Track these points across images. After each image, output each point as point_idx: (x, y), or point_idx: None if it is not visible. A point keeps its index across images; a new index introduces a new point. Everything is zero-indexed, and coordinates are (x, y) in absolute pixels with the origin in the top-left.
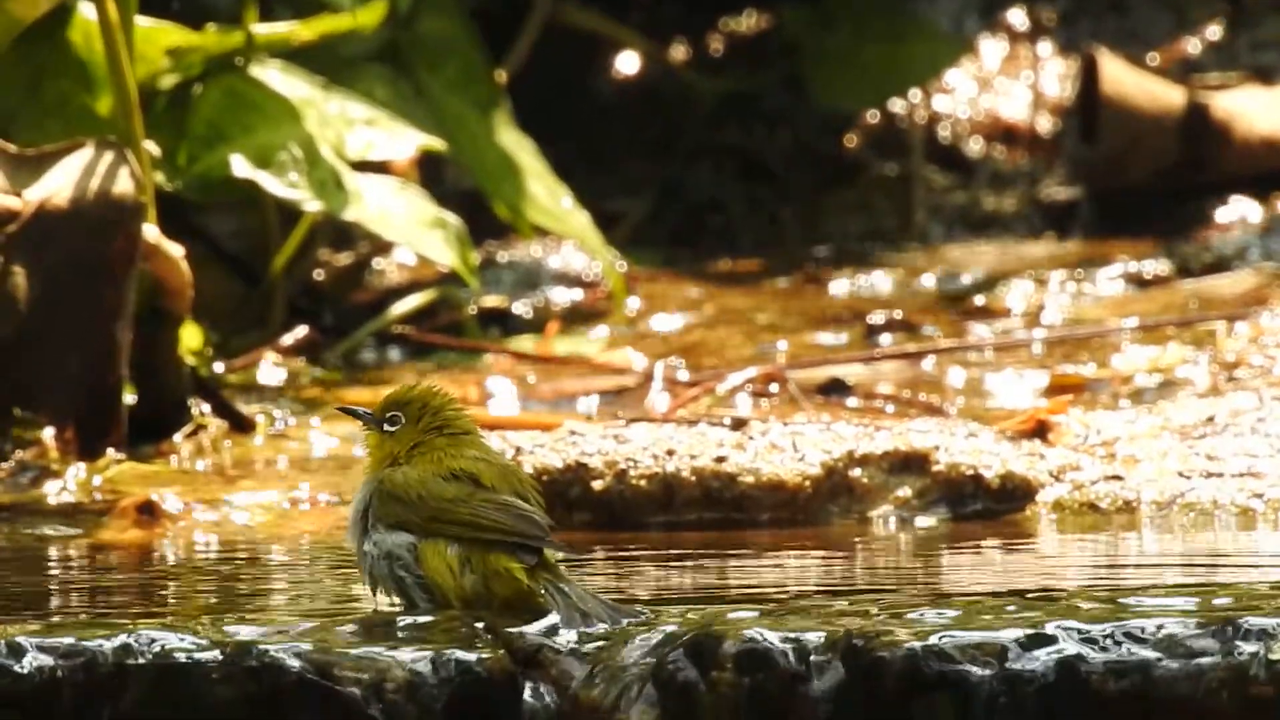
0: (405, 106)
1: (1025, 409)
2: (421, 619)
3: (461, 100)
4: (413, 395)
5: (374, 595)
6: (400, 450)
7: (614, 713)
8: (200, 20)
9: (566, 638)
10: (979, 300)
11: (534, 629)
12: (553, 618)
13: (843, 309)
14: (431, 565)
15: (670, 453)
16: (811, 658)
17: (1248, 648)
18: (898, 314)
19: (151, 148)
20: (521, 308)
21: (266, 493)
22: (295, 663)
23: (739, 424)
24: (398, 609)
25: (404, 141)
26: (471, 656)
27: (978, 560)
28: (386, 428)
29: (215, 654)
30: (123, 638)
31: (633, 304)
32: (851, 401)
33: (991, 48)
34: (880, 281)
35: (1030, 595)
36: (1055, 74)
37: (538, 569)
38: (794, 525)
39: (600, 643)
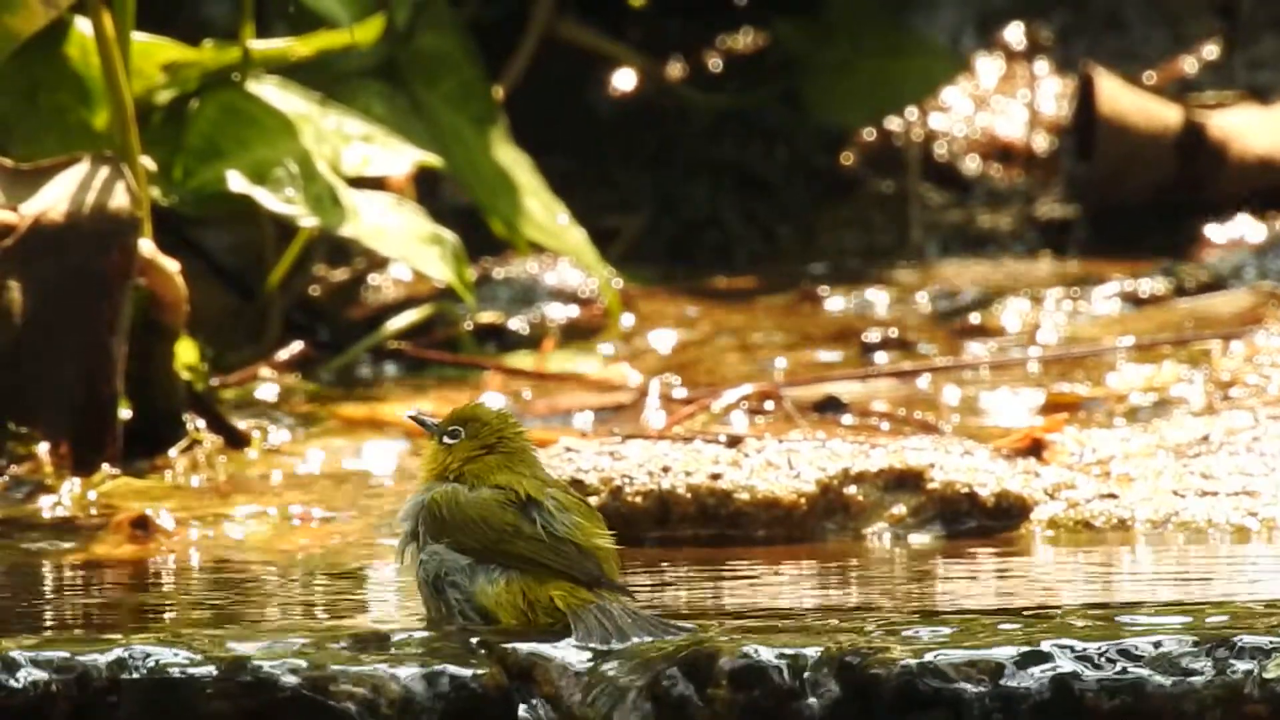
0: (402, 122)
1: (1020, 427)
2: (417, 634)
3: (458, 116)
4: (477, 413)
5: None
6: (452, 463)
7: None
8: (197, 36)
9: (563, 654)
10: (975, 318)
11: (528, 644)
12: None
13: (838, 326)
14: (483, 589)
15: (666, 469)
16: (806, 674)
17: (1242, 666)
18: (893, 332)
19: (148, 162)
20: (517, 324)
21: (261, 508)
22: (290, 678)
23: (734, 441)
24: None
25: (400, 157)
26: (466, 672)
27: (972, 578)
28: (446, 439)
29: (210, 669)
30: (117, 652)
31: (628, 320)
32: (847, 419)
33: (988, 66)
34: (876, 299)
35: (1024, 613)
36: (1052, 92)
37: (584, 593)
38: (789, 542)
39: (595, 658)
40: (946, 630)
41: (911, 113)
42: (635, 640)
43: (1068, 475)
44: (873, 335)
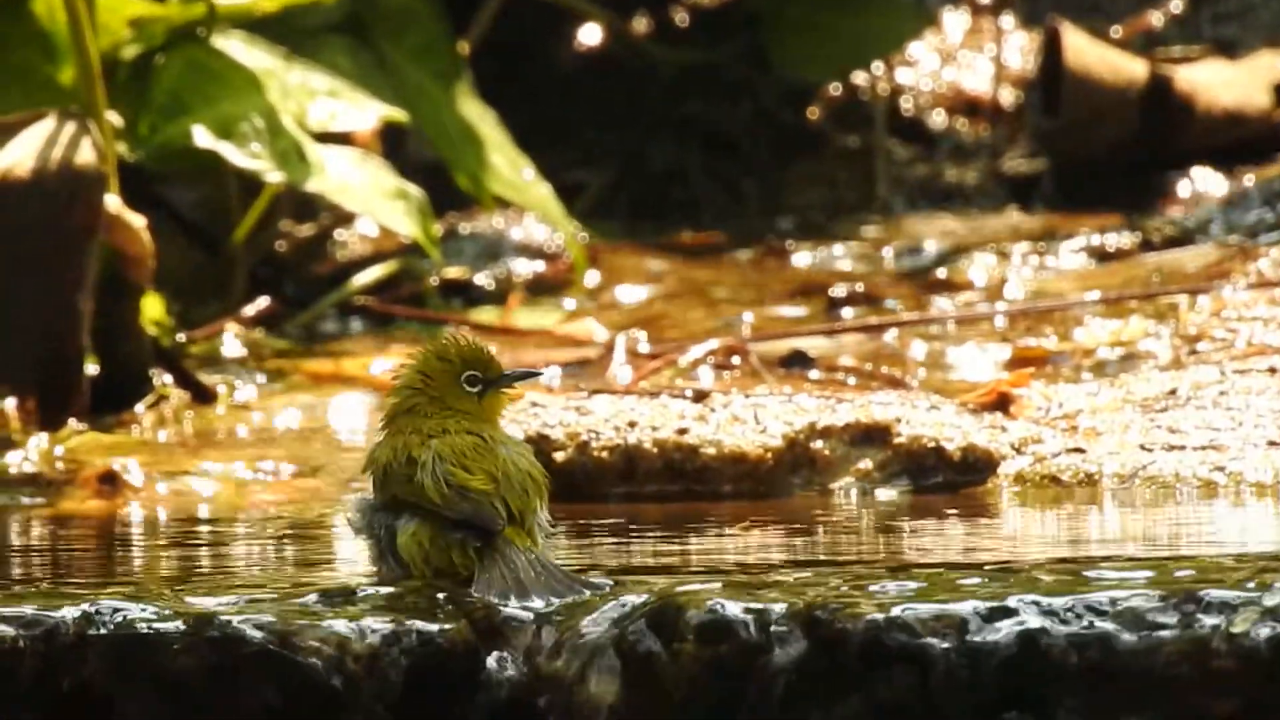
0: (367, 77)
1: (987, 382)
2: (383, 590)
3: (423, 71)
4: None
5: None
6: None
7: (576, 683)
8: None
9: (530, 609)
10: (941, 273)
11: (496, 600)
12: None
13: (804, 282)
14: (400, 540)
15: (632, 424)
16: (773, 629)
17: (1209, 620)
18: (859, 287)
19: (114, 118)
20: (483, 279)
21: (228, 463)
22: (256, 633)
23: (700, 396)
24: (368, 579)
25: (366, 112)
26: (433, 627)
27: (939, 532)
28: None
29: (177, 624)
30: (84, 608)
31: (594, 276)
32: (813, 374)
33: (954, 20)
34: (842, 254)
35: (991, 568)
36: (1018, 46)
37: (495, 542)
38: (755, 497)
39: (562, 613)
40: (913, 585)
41: (877, 67)
42: (537, 599)
43: (1034, 430)
44: (839, 290)
